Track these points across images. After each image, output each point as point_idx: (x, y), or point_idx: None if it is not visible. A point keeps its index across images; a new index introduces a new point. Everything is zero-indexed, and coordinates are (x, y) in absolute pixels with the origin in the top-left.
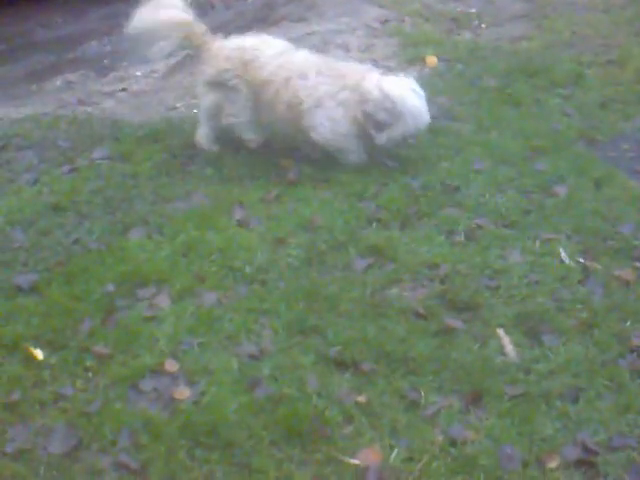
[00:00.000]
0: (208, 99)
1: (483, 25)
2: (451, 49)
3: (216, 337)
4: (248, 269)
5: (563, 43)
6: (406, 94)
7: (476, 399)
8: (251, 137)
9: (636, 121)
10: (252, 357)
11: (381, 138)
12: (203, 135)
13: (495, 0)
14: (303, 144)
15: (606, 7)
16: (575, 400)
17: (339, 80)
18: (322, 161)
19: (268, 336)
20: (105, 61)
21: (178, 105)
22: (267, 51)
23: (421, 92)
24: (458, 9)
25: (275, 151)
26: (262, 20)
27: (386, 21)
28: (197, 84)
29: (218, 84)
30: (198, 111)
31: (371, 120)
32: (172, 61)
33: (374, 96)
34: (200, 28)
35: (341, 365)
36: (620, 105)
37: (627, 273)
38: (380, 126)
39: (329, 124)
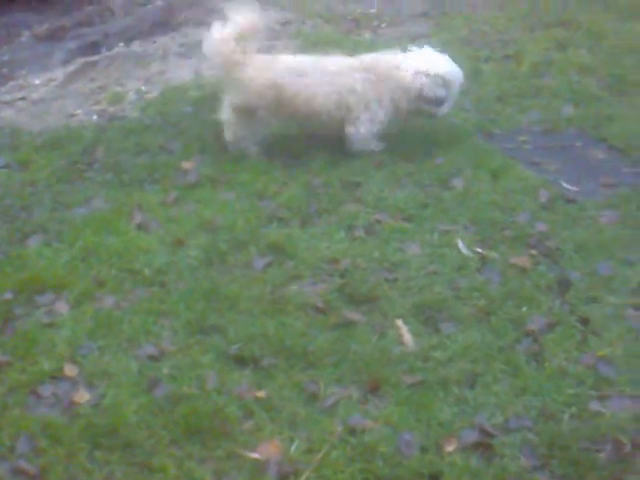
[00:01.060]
0: None
1: (383, 25)
2: (351, 49)
3: (115, 340)
4: (147, 272)
5: (461, 40)
6: (444, 64)
7: (375, 389)
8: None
9: (532, 114)
10: (152, 358)
11: (442, 110)
12: None
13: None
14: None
15: (502, 3)
16: (472, 385)
17: (380, 77)
18: (223, 162)
19: (167, 337)
20: (4, 70)
21: (77, 112)
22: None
23: (444, 55)
24: (358, 10)
25: (176, 154)
26: (162, 25)
27: (287, 23)
28: None
29: None
30: None
31: (431, 101)
32: (70, 69)
33: (423, 81)
34: None
35: (241, 362)
36: (516, 99)
37: (523, 260)
38: (440, 101)
39: (370, 126)
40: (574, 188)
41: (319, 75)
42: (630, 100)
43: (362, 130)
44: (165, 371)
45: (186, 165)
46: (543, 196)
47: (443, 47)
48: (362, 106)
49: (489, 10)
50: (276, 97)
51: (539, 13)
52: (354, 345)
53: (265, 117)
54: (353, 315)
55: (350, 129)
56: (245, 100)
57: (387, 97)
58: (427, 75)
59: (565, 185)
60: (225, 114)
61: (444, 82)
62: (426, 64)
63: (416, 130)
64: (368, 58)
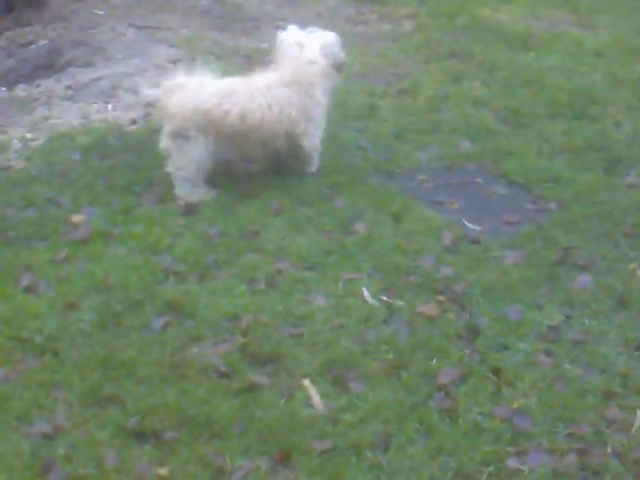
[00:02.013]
0: None
1: None
2: None
3: (5, 418)
4: (38, 339)
5: (355, 74)
6: (323, 36)
7: (284, 458)
8: None
9: (431, 150)
10: (45, 437)
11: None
12: None
13: None
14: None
15: (395, 36)
16: (386, 448)
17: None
18: (114, 213)
19: (62, 411)
20: None
21: None
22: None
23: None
24: (250, 45)
25: (65, 206)
26: (47, 67)
27: (177, 60)
28: None
29: None
30: None
31: (338, 67)
32: None
33: (328, 55)
34: None
35: (141, 436)
36: (414, 135)
37: (430, 308)
38: (342, 65)
39: (318, 134)
40: (477, 227)
41: (250, 91)
42: (526, 134)
43: (313, 141)
44: (60, 451)
45: (76, 219)
46: (447, 237)
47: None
48: (305, 118)
49: (382, 42)
50: (205, 120)
51: (432, 45)
52: (260, 411)
53: (204, 142)
54: (258, 378)
55: (305, 142)
56: (177, 125)
57: (320, 94)
58: (325, 47)
59: (468, 224)
60: (164, 142)
61: (336, 49)
62: (318, 39)
63: (314, 172)
64: (285, 70)
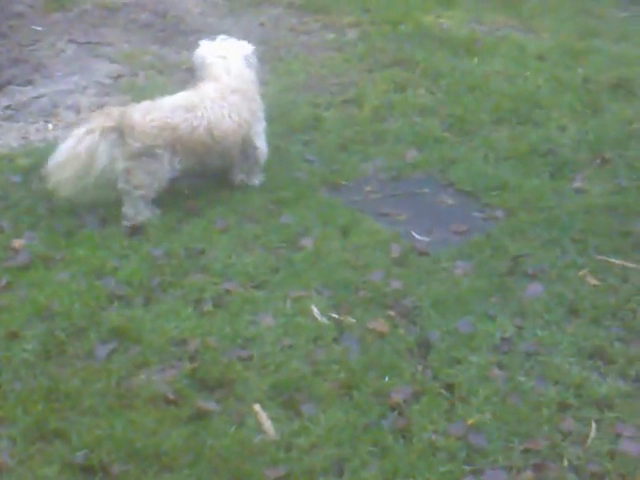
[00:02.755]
0: None
1: None
2: None
3: None
4: None
5: (299, 85)
6: (242, 46)
7: None
8: None
9: (377, 161)
10: None
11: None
12: None
13: None
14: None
15: (339, 45)
16: (340, 473)
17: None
18: (57, 236)
19: (5, 448)
20: None
21: None
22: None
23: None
24: (192, 58)
25: (5, 231)
26: None
27: (119, 76)
28: None
29: None
30: None
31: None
32: None
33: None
34: None
35: (88, 471)
36: (360, 146)
37: (381, 324)
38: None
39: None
40: (425, 239)
41: (209, 104)
42: (471, 141)
43: (263, 143)
44: None
45: (17, 244)
46: (395, 250)
47: (281, 94)
48: (255, 118)
49: (325, 52)
50: (173, 136)
51: (376, 53)
52: (210, 439)
53: (169, 160)
54: (207, 404)
55: (258, 143)
56: (145, 144)
57: (259, 97)
58: (249, 56)
59: (416, 236)
60: (122, 163)
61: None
62: (241, 48)
63: (259, 187)
64: (228, 80)
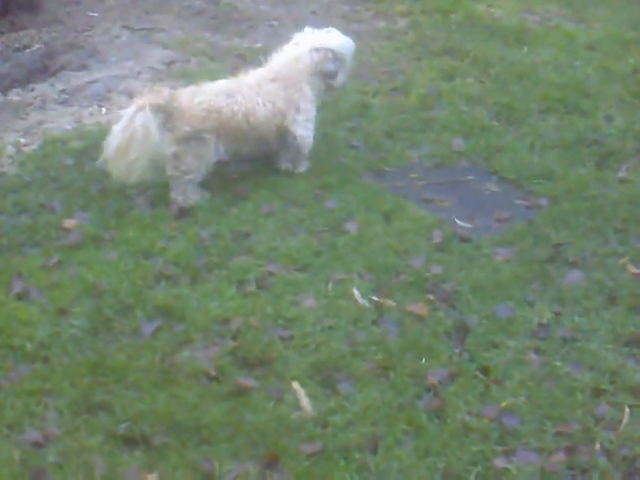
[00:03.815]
0: None
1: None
2: None
3: None
4: (29, 346)
5: (350, 73)
6: (333, 38)
7: (272, 462)
8: None
9: (422, 149)
10: (36, 445)
11: (338, 81)
12: None
13: (281, 34)
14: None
15: (389, 34)
16: (374, 450)
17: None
18: (107, 217)
19: (53, 419)
20: None
21: None
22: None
23: (333, 29)
24: (244, 45)
25: (57, 212)
26: (41, 71)
27: (171, 62)
28: None
29: None
30: None
31: (326, 74)
32: None
33: (314, 58)
34: None
35: (131, 442)
36: (406, 133)
37: (420, 307)
38: (333, 74)
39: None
40: (468, 225)
41: (246, 91)
42: (518, 130)
43: (305, 132)
44: (50, 459)
45: (68, 224)
46: (437, 236)
47: None
48: (293, 109)
49: (376, 40)
50: (217, 121)
51: (425, 42)
52: (249, 415)
53: (215, 144)
54: (247, 381)
55: (298, 132)
56: (194, 128)
57: (308, 89)
58: (317, 50)
59: (459, 222)
60: (171, 147)
61: (334, 55)
62: (316, 41)
63: (305, 172)
64: (273, 66)
